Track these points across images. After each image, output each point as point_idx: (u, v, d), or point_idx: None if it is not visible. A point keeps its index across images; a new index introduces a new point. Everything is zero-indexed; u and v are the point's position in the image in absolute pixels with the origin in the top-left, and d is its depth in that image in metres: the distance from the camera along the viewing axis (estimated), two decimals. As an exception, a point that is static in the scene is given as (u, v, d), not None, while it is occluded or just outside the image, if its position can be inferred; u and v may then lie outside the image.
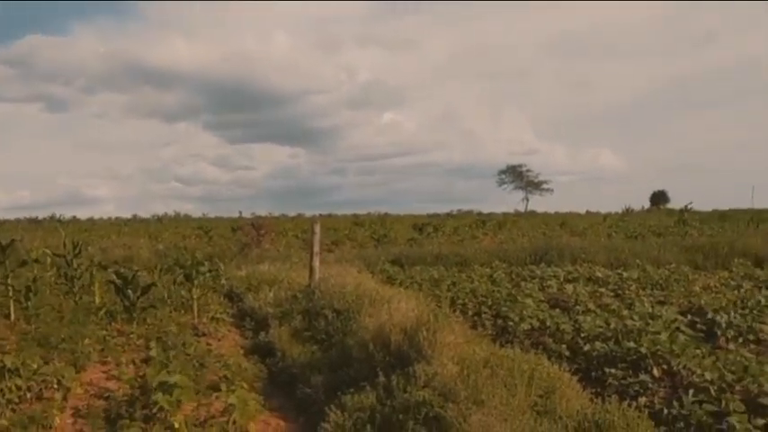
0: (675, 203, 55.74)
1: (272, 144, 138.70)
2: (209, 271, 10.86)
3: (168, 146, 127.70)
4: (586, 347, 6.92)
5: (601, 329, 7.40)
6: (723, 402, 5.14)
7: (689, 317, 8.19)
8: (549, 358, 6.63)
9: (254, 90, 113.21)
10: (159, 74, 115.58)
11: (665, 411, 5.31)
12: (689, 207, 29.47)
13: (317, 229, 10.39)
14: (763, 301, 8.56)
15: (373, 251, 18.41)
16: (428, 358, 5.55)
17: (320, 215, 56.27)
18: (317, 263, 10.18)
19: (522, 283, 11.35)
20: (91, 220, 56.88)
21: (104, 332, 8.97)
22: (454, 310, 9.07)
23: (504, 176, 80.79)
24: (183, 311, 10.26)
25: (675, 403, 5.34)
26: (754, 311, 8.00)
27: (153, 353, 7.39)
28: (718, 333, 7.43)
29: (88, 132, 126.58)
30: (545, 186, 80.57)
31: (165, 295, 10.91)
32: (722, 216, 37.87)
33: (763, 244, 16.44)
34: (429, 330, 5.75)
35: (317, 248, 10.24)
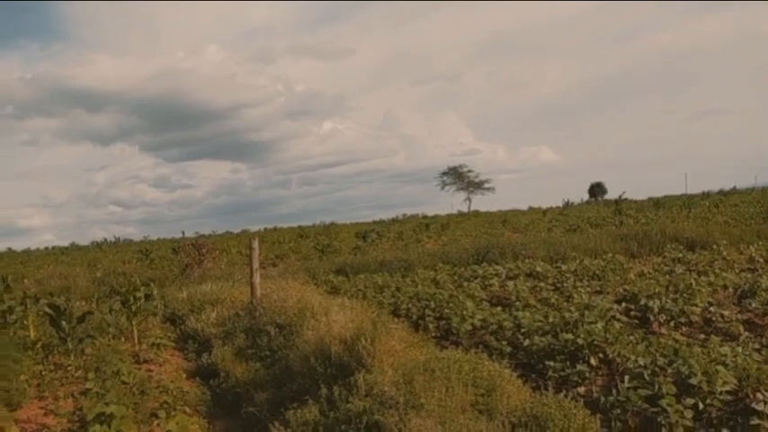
0: (613, 194, 57.18)
1: (212, 160, 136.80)
2: (147, 296, 10.60)
3: (104, 169, 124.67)
4: (526, 342, 7.04)
5: (540, 324, 7.54)
6: (656, 386, 5.29)
7: (624, 305, 8.42)
8: (490, 356, 6.73)
9: (188, 106, 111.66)
10: (89, 95, 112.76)
11: (603, 399, 5.45)
12: (623, 197, 30.24)
13: (256, 245, 10.29)
14: (693, 283, 8.86)
15: (317, 262, 18.34)
16: (368, 367, 5.55)
17: (265, 229, 55.64)
18: (257, 279, 10.07)
19: (465, 284, 11.46)
20: (27, 251, 54.98)
21: (40, 366, 8.65)
22: (398, 316, 9.12)
23: (445, 178, 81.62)
24: (122, 339, 9.99)
25: (612, 390, 5.48)
26: (685, 295, 8.27)
27: (90, 384, 7.17)
28: (651, 318, 7.66)
29: (19, 161, 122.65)
30: (486, 186, 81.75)
31: (104, 324, 10.61)
32: (657, 203, 39.06)
33: (694, 228, 17.04)
34: (368, 339, 5.75)
35: (256, 265, 10.13)
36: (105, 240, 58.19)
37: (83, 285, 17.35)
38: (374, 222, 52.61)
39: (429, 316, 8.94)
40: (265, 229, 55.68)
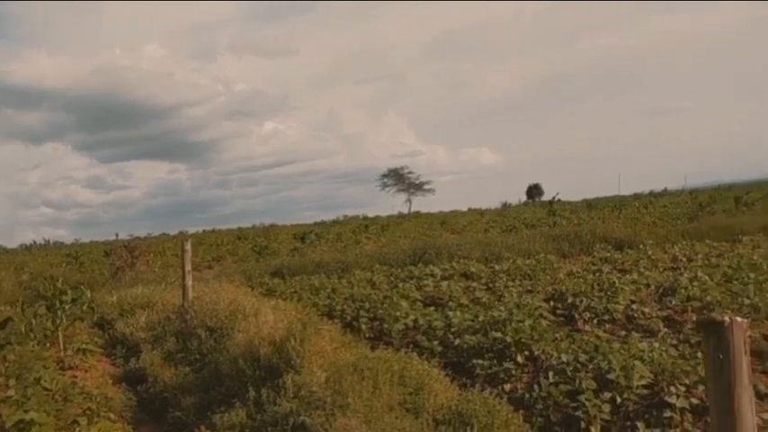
0: (551, 195, 58.43)
1: (150, 161, 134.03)
2: (74, 300, 10.28)
3: (36, 169, 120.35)
4: (456, 342, 7.15)
5: (471, 323, 7.66)
6: (577, 381, 5.46)
7: (552, 303, 8.63)
8: (421, 355, 6.82)
9: (126, 105, 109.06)
10: (21, 92, 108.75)
11: (527, 395, 5.59)
12: (557, 198, 30.97)
13: (188, 247, 10.12)
14: (617, 282, 9.14)
15: (254, 264, 18.15)
16: (297, 368, 5.55)
17: (203, 231, 54.72)
18: (189, 282, 9.90)
19: (401, 285, 11.54)
20: (-50, 255, 52.53)
21: (-41, 376, 8.31)
22: (332, 317, 9.12)
23: (386, 180, 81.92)
24: (47, 345, 9.67)
25: (536, 386, 5.62)
26: (609, 293, 8.54)
27: (10, 392, 6.92)
28: (576, 316, 7.88)
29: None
30: (427, 187, 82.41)
31: (27, 329, 10.24)
32: (590, 204, 40.10)
33: (623, 228, 17.59)
34: (297, 340, 5.74)
35: (188, 267, 9.97)
36: (35, 243, 56.10)
37: (7, 289, 16.70)
38: (315, 224, 52.36)
39: (363, 317, 8.97)
40: (203, 230, 54.77)
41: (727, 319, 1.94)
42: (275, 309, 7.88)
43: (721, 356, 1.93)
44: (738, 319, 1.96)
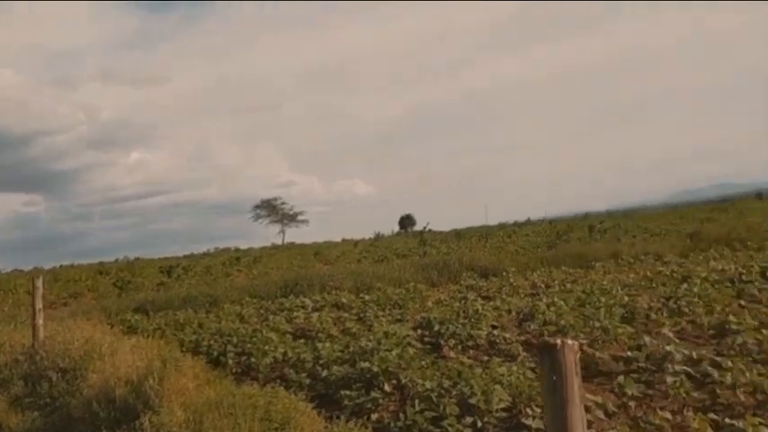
0: (422, 225, 59.80)
1: (2, 192, 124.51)
2: None
3: None
4: (324, 373, 7.12)
5: (340, 354, 7.67)
6: (441, 407, 5.58)
7: (420, 331, 8.80)
8: (288, 389, 6.73)
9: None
10: None
11: (393, 424, 5.64)
12: (428, 228, 31.86)
13: (39, 283, 9.46)
14: (480, 309, 9.48)
15: (116, 300, 17.24)
16: (156, 408, 5.29)
17: (61, 266, 51.28)
18: (40, 320, 9.24)
19: (271, 317, 11.37)
20: None
21: None
22: (198, 354, 8.81)
23: (259, 211, 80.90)
24: None
25: (401, 415, 5.69)
26: (473, 319, 8.83)
27: None
28: (442, 343, 8.08)
29: None
30: (300, 218, 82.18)
31: None
32: (459, 234, 41.50)
33: (488, 257, 18.31)
34: (156, 379, 5.49)
35: (39, 305, 9.31)
36: None
37: None
38: (183, 257, 50.56)
39: (230, 352, 8.74)
40: (62, 266, 51.34)
41: (559, 341, 2.07)
42: (135, 346, 7.51)
43: (555, 378, 2.04)
44: (569, 341, 2.10)
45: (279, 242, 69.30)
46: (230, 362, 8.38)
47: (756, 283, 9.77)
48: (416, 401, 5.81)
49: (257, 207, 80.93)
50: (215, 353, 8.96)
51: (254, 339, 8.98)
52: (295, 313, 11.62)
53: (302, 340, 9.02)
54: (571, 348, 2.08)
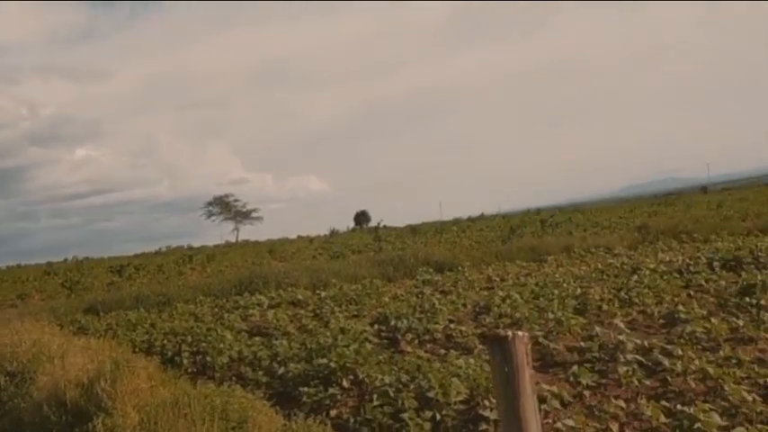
0: (377, 221, 59.89)
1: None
2: None
3: None
4: (281, 370, 7.08)
5: (296, 351, 7.63)
6: (400, 402, 5.59)
7: (377, 326, 8.81)
8: (245, 387, 6.67)
9: None
10: None
11: (352, 420, 5.64)
12: (381, 224, 31.96)
13: (-16, 284, 9.17)
14: (437, 303, 9.54)
15: (65, 301, 16.83)
16: (109, 410, 5.18)
17: (7, 267, 49.77)
18: (-15, 323, 8.96)
19: (225, 316, 11.24)
20: None
21: None
22: (152, 354, 8.66)
23: (211, 208, 79.98)
24: None
25: (361, 410, 5.69)
26: (429, 314, 8.88)
27: None
28: (399, 338, 8.11)
29: None
30: (254, 215, 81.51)
31: None
32: (414, 230, 41.71)
33: (443, 252, 18.45)
34: (108, 380, 5.38)
35: (-16, 307, 9.02)
36: None
37: None
38: (134, 256, 49.64)
39: (185, 351, 8.62)
40: (7, 266, 49.86)
41: (509, 333, 2.09)
42: (86, 348, 7.34)
43: (507, 369, 2.06)
44: (520, 333, 2.12)
45: (233, 240, 68.67)
46: (185, 361, 8.26)
47: (704, 274, 10.06)
48: (375, 396, 5.81)
49: (209, 204, 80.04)
50: (169, 353, 8.82)
51: (209, 338, 8.86)
52: (250, 311, 11.52)
53: (258, 338, 8.93)
54: (521, 340, 2.10)
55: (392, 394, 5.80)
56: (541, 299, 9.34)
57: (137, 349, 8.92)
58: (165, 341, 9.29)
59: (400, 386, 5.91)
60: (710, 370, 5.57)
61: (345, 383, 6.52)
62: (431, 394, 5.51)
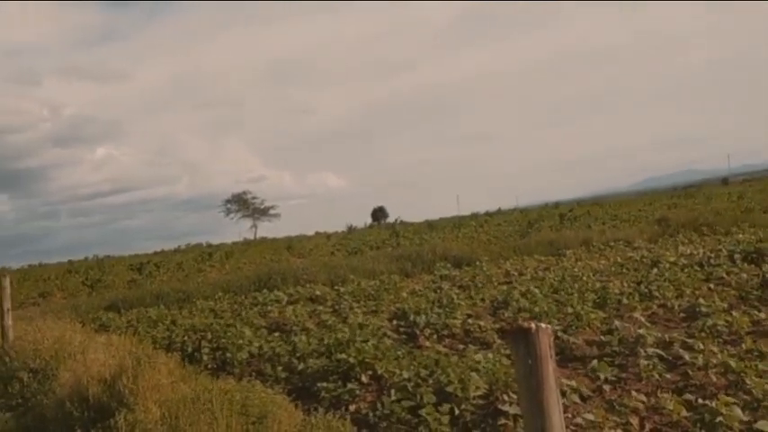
0: (395, 217, 59.86)
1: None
2: None
3: None
4: (301, 366, 7.11)
5: (315, 346, 7.65)
6: (418, 396, 5.60)
7: (395, 322, 8.82)
8: (265, 383, 6.71)
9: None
10: None
11: (371, 414, 5.65)
12: (399, 220, 31.93)
13: (7, 283, 9.30)
14: (455, 298, 9.53)
15: (86, 299, 17.02)
16: (131, 406, 5.23)
17: (29, 266, 50.38)
18: (9, 321, 9.09)
19: (244, 312, 11.30)
20: None
21: None
22: (172, 350, 8.73)
23: (229, 206, 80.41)
24: None
25: (379, 405, 5.70)
26: (447, 309, 8.87)
27: None
28: (418, 333, 8.11)
29: None
30: (272, 212, 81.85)
31: None
32: (431, 225, 41.67)
33: (461, 247, 18.42)
34: (130, 376, 5.43)
35: (8, 305, 9.16)
36: None
37: None
38: (154, 253, 50.00)
39: (205, 347, 8.67)
40: (30, 265, 50.44)
41: (533, 325, 2.08)
42: (107, 344, 7.41)
43: (530, 362, 2.05)
44: (543, 325, 2.11)
45: (251, 237, 68.97)
46: (205, 357, 8.31)
47: (724, 267, 9.96)
48: (393, 391, 5.82)
49: (228, 202, 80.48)
50: (189, 349, 8.87)
51: (229, 334, 8.90)
52: (269, 307, 11.57)
53: (277, 334, 8.98)
54: (545, 332, 2.09)
55: (410, 389, 5.80)
56: (560, 293, 9.30)
57: (157, 346, 8.99)
58: (186, 337, 9.35)
59: (419, 381, 5.91)
60: (732, 363, 5.52)
61: (364, 379, 6.53)
62: (449, 389, 5.51)
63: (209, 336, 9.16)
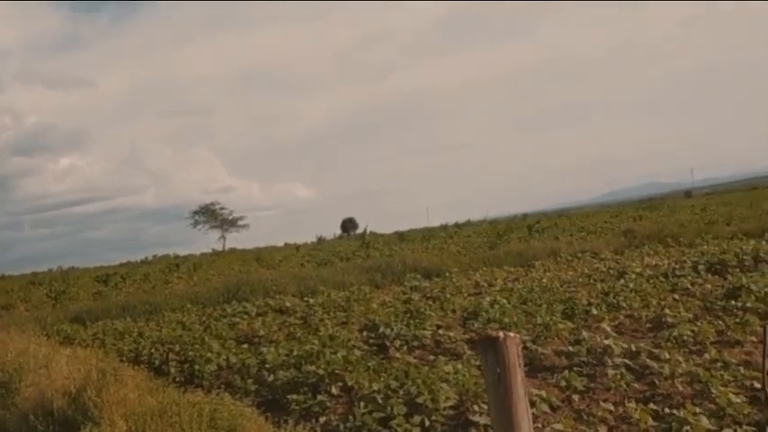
0: (364, 228, 59.73)
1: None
2: None
3: None
4: (270, 378, 7.05)
5: (285, 358, 7.60)
6: (389, 408, 5.59)
7: (365, 333, 8.80)
8: (234, 395, 6.63)
9: None
10: None
11: (342, 426, 5.62)
12: (368, 231, 31.92)
13: (-32, 294, 9.08)
14: (425, 309, 9.55)
15: (51, 311, 16.66)
16: (96, 419, 5.14)
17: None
18: (-30, 334, 8.87)
19: (213, 324, 11.18)
20: None
21: None
22: (139, 363, 8.61)
23: (197, 217, 79.56)
24: None
25: (350, 417, 5.68)
26: (417, 320, 8.88)
27: None
28: (388, 344, 8.10)
29: None
30: (241, 223, 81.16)
31: None
32: (401, 236, 41.72)
33: (431, 258, 18.46)
34: (95, 390, 5.33)
35: (-32, 317, 8.93)
36: None
37: None
38: (120, 265, 49.24)
39: (173, 360, 8.57)
40: (-9, 277, 49.31)
41: (501, 334, 2.10)
42: (72, 357, 7.28)
43: (499, 370, 2.07)
44: (511, 334, 2.13)
45: (219, 248, 68.28)
46: (173, 370, 8.21)
47: (689, 277, 10.14)
48: (364, 403, 5.81)
49: (196, 213, 79.64)
50: (156, 361, 8.76)
51: (197, 346, 8.81)
52: (238, 319, 11.46)
53: (246, 346, 8.90)
54: (513, 341, 2.11)
55: (381, 400, 5.79)
56: (529, 304, 9.37)
57: (124, 358, 8.86)
58: (153, 350, 9.23)
59: (389, 392, 5.91)
60: (699, 372, 5.62)
61: (334, 390, 6.51)
62: (420, 400, 5.52)
63: (177, 348, 9.05)
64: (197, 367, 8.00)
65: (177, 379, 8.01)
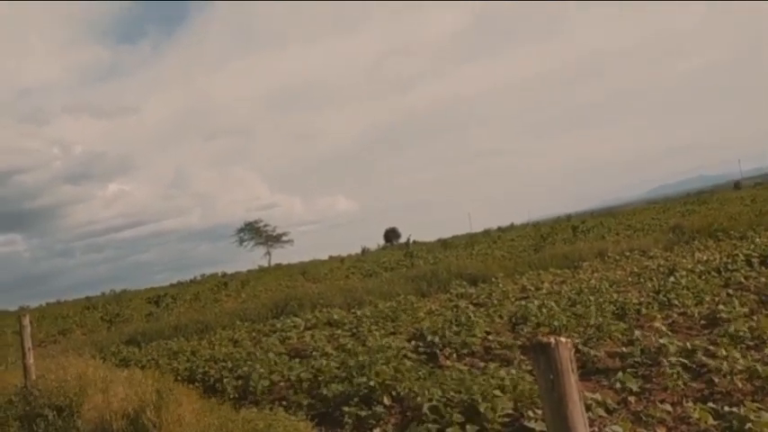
0: (407, 237, 59.75)
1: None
2: None
3: None
4: (323, 391, 7.10)
5: (336, 371, 7.65)
6: (444, 416, 5.58)
7: (414, 342, 8.80)
8: (288, 410, 6.71)
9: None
10: None
11: (396, 437, 5.64)
12: (412, 240, 31.92)
13: (27, 321, 9.35)
14: (472, 316, 9.51)
15: (106, 334, 17.11)
16: (156, 439, 5.26)
17: (47, 303, 50.71)
18: (31, 359, 9.13)
19: (264, 340, 11.32)
20: None
21: None
22: (194, 381, 8.78)
23: (242, 234, 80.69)
24: None
25: (405, 427, 5.69)
26: (465, 327, 8.85)
27: None
28: (438, 352, 8.09)
29: None
30: (285, 238, 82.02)
31: None
32: (445, 244, 41.61)
33: (476, 264, 18.36)
34: (153, 410, 5.45)
35: (29, 344, 9.20)
36: None
37: None
38: (170, 285, 50.21)
39: (227, 377, 8.69)
40: (47, 303, 50.79)
41: (552, 339, 2.10)
42: (129, 379, 7.45)
43: (552, 376, 2.07)
44: (563, 339, 2.12)
45: (265, 264, 69.03)
46: (227, 387, 8.32)
47: (742, 271, 9.89)
48: (420, 412, 5.81)
49: (240, 231, 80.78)
50: (211, 379, 8.91)
51: (249, 363, 8.93)
52: (288, 333, 11.58)
53: (297, 360, 8.98)
54: (565, 346, 2.10)
55: (436, 409, 5.78)
56: (578, 306, 9.25)
57: (179, 378, 9.03)
58: (207, 368, 9.39)
59: (443, 401, 5.90)
60: (758, 368, 5.47)
61: (386, 401, 6.52)
62: (481, 408, 5.48)
63: (230, 365, 9.19)
64: (251, 383, 8.10)
65: (232, 396, 8.12)
